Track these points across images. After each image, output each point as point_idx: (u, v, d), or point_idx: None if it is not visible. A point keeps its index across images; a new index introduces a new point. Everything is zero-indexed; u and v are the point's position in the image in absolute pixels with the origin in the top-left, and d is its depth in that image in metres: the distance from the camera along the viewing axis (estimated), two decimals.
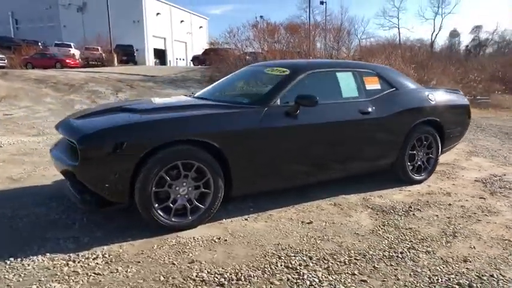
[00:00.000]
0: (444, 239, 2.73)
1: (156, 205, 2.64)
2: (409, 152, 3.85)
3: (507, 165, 4.93)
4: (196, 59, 30.09)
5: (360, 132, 3.45)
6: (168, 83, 16.48)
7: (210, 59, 22.28)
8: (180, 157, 2.64)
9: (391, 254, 2.49)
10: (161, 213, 2.67)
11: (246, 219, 3.02)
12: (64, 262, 2.29)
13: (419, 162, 3.99)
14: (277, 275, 2.20)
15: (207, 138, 2.72)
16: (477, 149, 5.96)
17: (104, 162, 2.46)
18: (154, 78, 17.28)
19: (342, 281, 2.15)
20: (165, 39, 40.50)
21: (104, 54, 27.09)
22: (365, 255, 2.47)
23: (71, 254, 2.39)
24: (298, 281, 2.14)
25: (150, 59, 36.96)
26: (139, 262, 2.33)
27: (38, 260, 2.31)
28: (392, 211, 3.23)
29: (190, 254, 2.43)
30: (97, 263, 2.29)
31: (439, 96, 4.10)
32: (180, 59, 42.32)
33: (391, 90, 3.78)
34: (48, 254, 2.37)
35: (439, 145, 4.09)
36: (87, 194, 2.61)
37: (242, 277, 2.17)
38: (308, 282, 2.13)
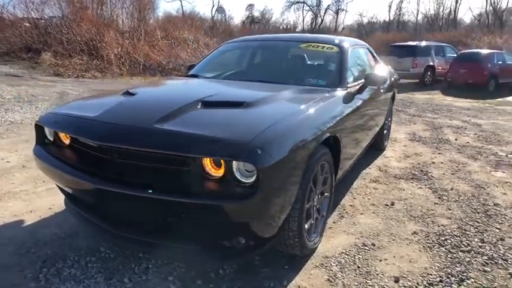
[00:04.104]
0: (486, 189, 3.22)
1: (306, 227, 1.98)
2: (384, 121, 4.22)
3: (401, 124, 6.10)
4: None
5: (380, 104, 3.54)
6: None
7: None
8: (320, 159, 2.03)
9: (490, 213, 2.77)
10: (307, 236, 2.02)
11: (343, 216, 2.66)
12: None
13: (385, 130, 4.43)
14: (475, 266, 2.10)
15: (335, 132, 2.19)
16: None
17: (283, 185, 1.61)
18: None
19: None
20: None
21: None
22: (478, 222, 2.65)
23: None
24: (498, 265, 2.11)
25: None
26: None
27: None
28: (418, 178, 3.52)
29: (374, 273, 1.99)
30: None
31: (393, 70, 4.62)
32: None
33: (378, 64, 3.99)
34: None
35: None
36: (240, 238, 1.66)
37: (464, 277, 1.96)
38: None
